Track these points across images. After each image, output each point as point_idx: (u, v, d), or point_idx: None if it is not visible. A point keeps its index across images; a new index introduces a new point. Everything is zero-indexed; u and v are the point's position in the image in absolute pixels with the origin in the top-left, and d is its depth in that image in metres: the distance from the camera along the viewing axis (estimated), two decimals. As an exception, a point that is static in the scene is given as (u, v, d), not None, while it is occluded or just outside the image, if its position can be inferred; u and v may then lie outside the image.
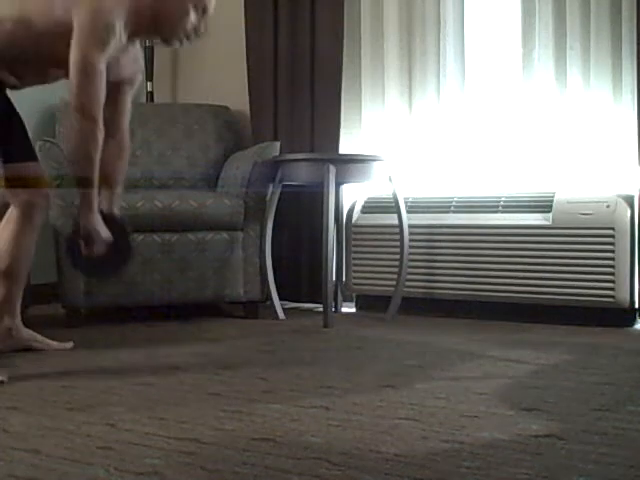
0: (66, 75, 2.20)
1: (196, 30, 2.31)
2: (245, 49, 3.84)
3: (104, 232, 2.25)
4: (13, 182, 2.33)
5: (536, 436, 1.51)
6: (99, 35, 2.11)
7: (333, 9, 3.63)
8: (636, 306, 3.02)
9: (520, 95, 3.34)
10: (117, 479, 1.28)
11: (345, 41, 3.66)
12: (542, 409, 1.73)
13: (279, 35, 3.75)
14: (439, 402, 1.80)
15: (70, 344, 2.56)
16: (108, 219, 2.28)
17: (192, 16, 2.28)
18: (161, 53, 4.19)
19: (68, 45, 2.13)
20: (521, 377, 2.08)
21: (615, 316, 3.01)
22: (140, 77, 2.46)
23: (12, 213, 2.38)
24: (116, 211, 2.38)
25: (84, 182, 2.19)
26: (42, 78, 2.39)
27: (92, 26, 2.11)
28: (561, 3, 3.23)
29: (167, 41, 2.33)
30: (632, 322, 3.04)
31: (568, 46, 3.20)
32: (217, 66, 4.12)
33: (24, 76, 2.33)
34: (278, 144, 3.42)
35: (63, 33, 2.13)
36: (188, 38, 2.31)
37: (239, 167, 3.39)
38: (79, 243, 2.23)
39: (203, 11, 2.32)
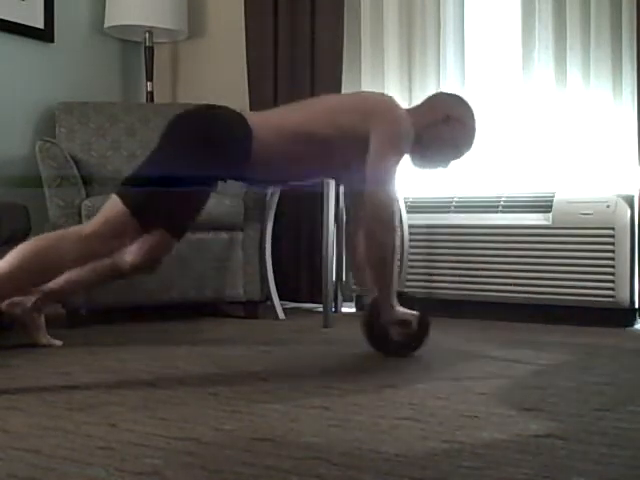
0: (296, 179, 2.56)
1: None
2: (245, 49, 3.84)
3: (411, 313, 2.37)
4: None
5: (536, 436, 1.51)
6: (398, 149, 2.32)
7: (333, 9, 3.63)
8: (636, 306, 3.02)
9: (520, 95, 3.34)
10: (117, 479, 1.27)
11: (345, 41, 3.67)
12: (542, 409, 1.73)
13: (279, 35, 3.75)
14: (439, 402, 1.80)
15: (58, 342, 2.60)
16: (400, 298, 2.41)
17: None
18: (161, 53, 4.19)
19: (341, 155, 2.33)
20: (521, 377, 2.08)
21: (615, 316, 3.01)
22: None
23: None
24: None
25: (390, 286, 2.33)
26: (275, 185, 2.65)
27: (394, 141, 2.31)
28: (561, 3, 3.23)
29: (417, 166, 2.53)
30: (632, 322, 3.04)
31: (568, 46, 3.20)
32: (217, 66, 4.12)
33: (262, 183, 2.53)
34: (278, 144, 3.42)
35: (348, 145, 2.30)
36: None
37: (239, 167, 3.39)
38: (387, 333, 2.39)
39: None
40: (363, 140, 2.28)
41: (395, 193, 2.32)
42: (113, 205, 2.12)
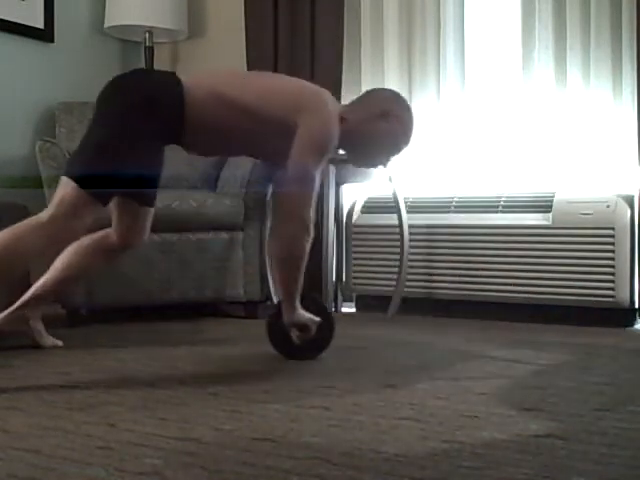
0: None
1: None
2: (245, 49, 3.84)
3: (311, 318, 2.33)
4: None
5: (536, 436, 1.51)
6: (322, 150, 2.26)
7: (333, 9, 3.63)
8: (636, 306, 3.02)
9: (520, 95, 3.34)
10: (117, 479, 1.27)
11: (345, 41, 3.67)
12: (542, 409, 1.73)
13: (279, 35, 3.75)
14: (439, 402, 1.80)
15: (60, 342, 2.59)
16: (305, 301, 2.37)
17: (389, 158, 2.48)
18: (161, 53, 4.19)
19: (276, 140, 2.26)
20: (521, 377, 2.08)
21: (615, 316, 3.01)
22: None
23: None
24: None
25: (294, 287, 2.28)
26: (213, 154, 2.74)
27: (318, 140, 2.25)
28: (561, 3, 3.23)
29: (355, 164, 2.54)
30: (632, 322, 3.04)
31: (568, 46, 3.20)
32: (217, 66, 4.11)
33: (200, 150, 2.48)
34: (278, 144, 3.41)
35: (278, 131, 2.25)
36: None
37: (239, 167, 3.38)
38: (288, 334, 2.36)
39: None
40: (291, 131, 2.23)
41: (315, 193, 2.27)
42: (64, 186, 2.12)
